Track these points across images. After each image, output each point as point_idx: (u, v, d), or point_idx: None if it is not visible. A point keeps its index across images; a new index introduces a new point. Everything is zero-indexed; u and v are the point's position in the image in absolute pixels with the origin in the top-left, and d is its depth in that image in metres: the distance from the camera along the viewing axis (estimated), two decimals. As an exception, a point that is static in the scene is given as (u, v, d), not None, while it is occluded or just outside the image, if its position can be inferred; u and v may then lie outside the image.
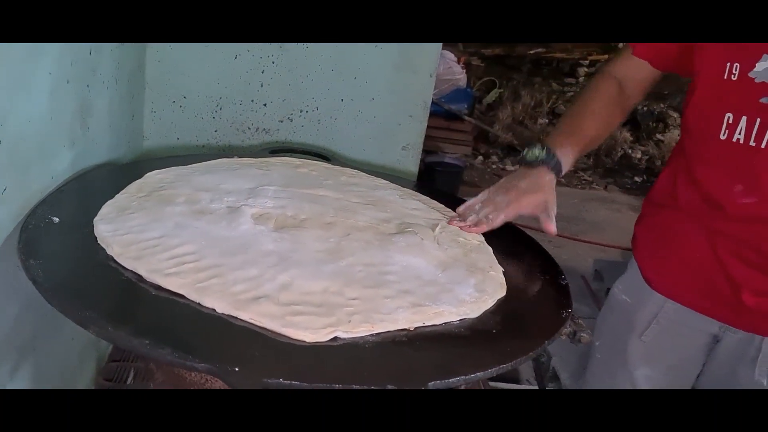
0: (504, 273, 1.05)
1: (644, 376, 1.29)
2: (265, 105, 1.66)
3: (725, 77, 1.08)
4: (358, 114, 1.68)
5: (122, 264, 0.87)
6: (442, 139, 4.41)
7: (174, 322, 0.80)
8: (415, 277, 0.95)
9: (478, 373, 0.80)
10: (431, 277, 0.96)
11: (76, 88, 1.12)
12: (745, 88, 1.06)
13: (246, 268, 0.89)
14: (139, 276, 0.86)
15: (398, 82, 1.65)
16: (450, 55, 4.67)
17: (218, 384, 0.88)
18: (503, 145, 5.64)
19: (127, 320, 0.77)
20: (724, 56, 1.07)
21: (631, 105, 1.30)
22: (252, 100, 1.65)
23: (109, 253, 0.89)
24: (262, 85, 1.64)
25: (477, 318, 0.91)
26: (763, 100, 1.05)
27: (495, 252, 1.11)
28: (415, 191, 1.34)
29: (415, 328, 0.85)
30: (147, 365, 1.01)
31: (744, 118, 1.07)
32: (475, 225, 1.15)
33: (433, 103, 4.33)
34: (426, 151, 4.13)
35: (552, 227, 1.12)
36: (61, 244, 0.91)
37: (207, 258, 0.90)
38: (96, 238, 0.93)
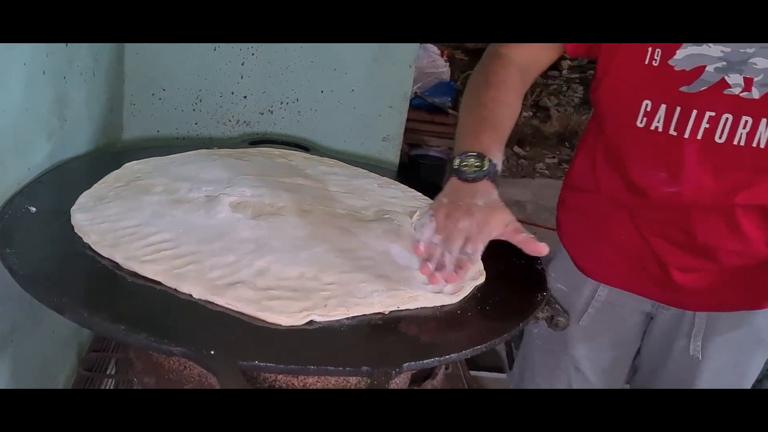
0: (482, 258, 1.05)
1: (586, 358, 1.31)
2: (245, 97, 1.66)
3: (646, 62, 1.06)
4: (338, 105, 1.68)
5: (99, 252, 0.88)
6: (426, 132, 4.41)
7: (150, 308, 0.80)
8: (391, 262, 0.96)
9: (452, 355, 0.81)
10: (407, 263, 0.97)
11: (52, 79, 1.11)
12: (665, 75, 1.05)
13: (223, 255, 0.90)
14: (116, 263, 0.86)
15: (378, 73, 1.65)
16: (433, 48, 4.67)
17: (196, 371, 0.89)
18: (487, 138, 5.65)
19: (104, 306, 0.78)
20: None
21: (524, 94, 1.20)
22: (232, 93, 1.65)
23: (85, 241, 0.90)
24: (242, 77, 1.64)
25: (452, 301, 0.92)
26: (683, 88, 1.04)
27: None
28: (394, 180, 1.35)
29: (391, 311, 0.86)
30: (127, 355, 1.01)
31: (663, 106, 1.06)
32: (460, 267, 0.93)
33: (416, 96, 4.32)
34: (410, 144, 4.14)
35: (543, 246, 0.97)
36: (38, 233, 0.92)
37: (184, 245, 0.91)
38: (73, 227, 0.93)
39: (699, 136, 1.05)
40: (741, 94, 1.02)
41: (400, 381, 0.92)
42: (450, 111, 4.68)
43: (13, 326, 1.05)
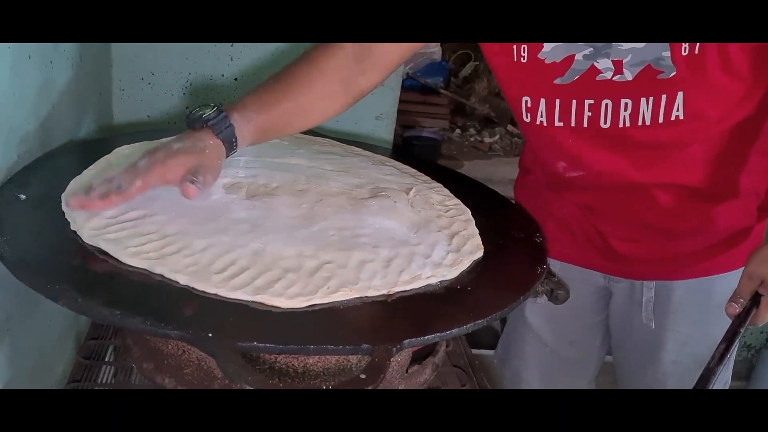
0: (480, 233, 1.05)
1: (550, 333, 1.33)
2: (235, 79, 1.64)
3: (515, 60, 1.04)
4: (330, 85, 1.66)
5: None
6: (419, 113, 4.39)
7: (145, 292, 0.79)
8: (389, 238, 0.95)
9: (453, 330, 0.80)
10: (405, 239, 0.96)
11: (39, 64, 1.09)
12: (537, 70, 1.03)
13: (217, 237, 0.88)
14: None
15: (369, 51, 1.63)
16: (424, 29, 4.64)
17: (195, 355, 0.88)
18: (480, 117, 5.63)
19: (98, 292, 0.76)
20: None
21: (365, 86, 1.08)
22: (222, 75, 1.63)
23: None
24: (231, 59, 1.62)
25: (453, 277, 0.91)
26: (557, 81, 1.02)
27: (471, 212, 1.11)
28: (389, 158, 1.33)
29: (390, 289, 0.85)
30: (125, 341, 1.00)
31: (543, 101, 1.05)
32: (102, 198, 0.86)
33: (408, 77, 4.30)
34: (403, 126, 4.12)
35: (190, 190, 0.88)
36: (29, 220, 0.90)
37: (177, 227, 0.89)
38: (64, 213, 0.92)
39: (585, 125, 1.04)
40: (614, 78, 1.00)
41: (401, 359, 0.91)
42: (442, 91, 4.66)
43: (8, 315, 1.03)
